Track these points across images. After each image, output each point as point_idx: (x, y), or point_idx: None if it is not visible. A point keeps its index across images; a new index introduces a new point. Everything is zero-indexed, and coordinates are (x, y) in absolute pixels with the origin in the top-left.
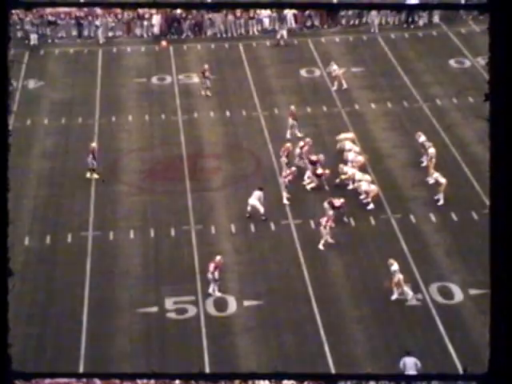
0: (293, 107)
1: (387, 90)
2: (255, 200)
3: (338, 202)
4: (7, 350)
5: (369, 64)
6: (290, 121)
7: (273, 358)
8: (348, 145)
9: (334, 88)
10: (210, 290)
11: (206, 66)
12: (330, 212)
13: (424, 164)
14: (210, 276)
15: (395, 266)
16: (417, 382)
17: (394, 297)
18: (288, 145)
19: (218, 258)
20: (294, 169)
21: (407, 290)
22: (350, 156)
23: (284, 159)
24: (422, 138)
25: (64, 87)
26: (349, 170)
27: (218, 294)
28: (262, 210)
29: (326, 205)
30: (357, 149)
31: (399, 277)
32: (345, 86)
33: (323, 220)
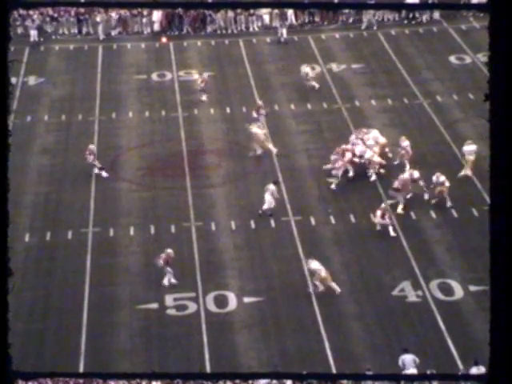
0: (261, 102)
1: (387, 87)
2: (269, 195)
3: (395, 183)
4: (7, 350)
5: (369, 60)
6: (255, 114)
7: (273, 354)
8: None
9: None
10: (165, 282)
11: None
12: (400, 197)
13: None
14: (160, 263)
15: (315, 265)
16: (417, 382)
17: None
18: (344, 147)
19: (169, 250)
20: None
21: (335, 286)
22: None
23: (336, 157)
24: (405, 143)
25: (64, 84)
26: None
27: (173, 281)
28: (273, 204)
29: (392, 193)
30: (376, 150)
31: (322, 274)
32: (316, 86)
33: (379, 214)
